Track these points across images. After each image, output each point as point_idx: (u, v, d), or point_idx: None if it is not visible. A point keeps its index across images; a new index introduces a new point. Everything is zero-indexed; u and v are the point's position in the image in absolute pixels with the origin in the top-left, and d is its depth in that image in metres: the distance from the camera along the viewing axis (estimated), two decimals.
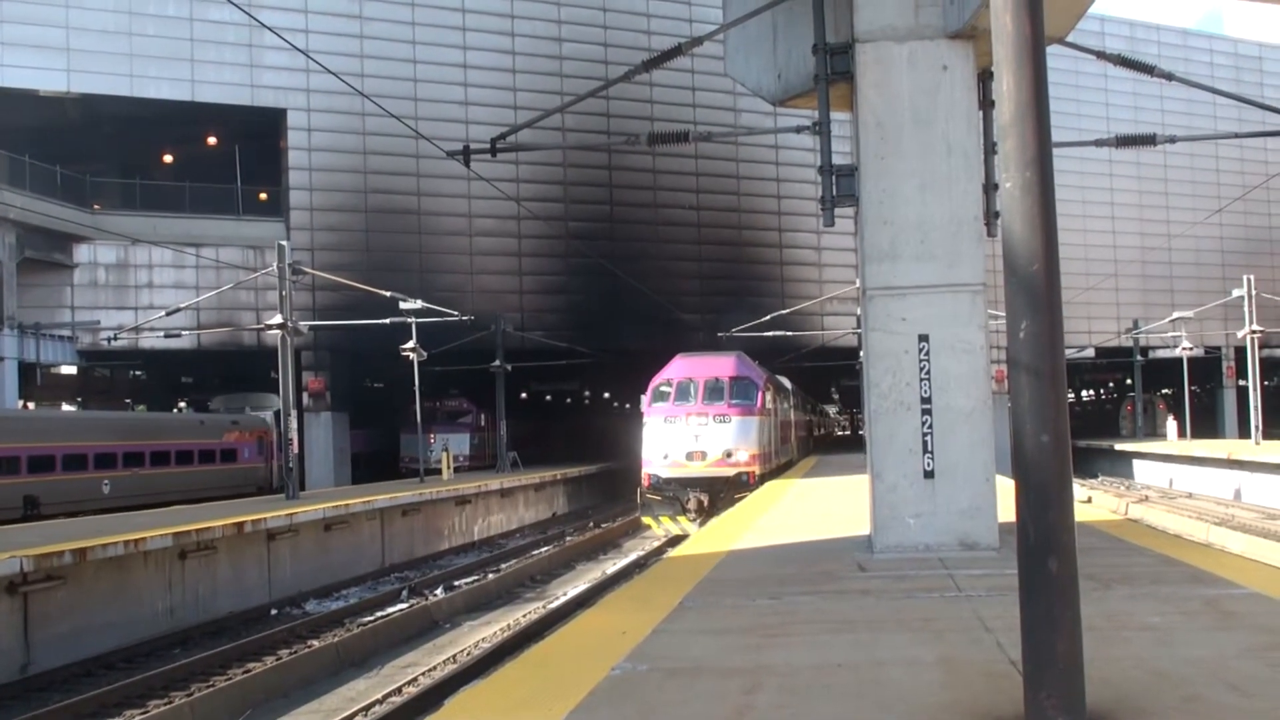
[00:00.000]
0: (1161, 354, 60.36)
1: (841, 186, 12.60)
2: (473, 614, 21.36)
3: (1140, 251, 61.27)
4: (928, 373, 11.90)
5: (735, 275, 53.46)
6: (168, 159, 49.12)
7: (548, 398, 68.71)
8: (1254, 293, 43.61)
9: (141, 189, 45.67)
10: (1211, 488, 40.47)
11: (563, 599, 22.02)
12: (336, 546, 26.48)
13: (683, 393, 28.62)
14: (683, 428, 28.12)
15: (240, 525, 22.00)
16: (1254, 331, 43.04)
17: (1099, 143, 16.73)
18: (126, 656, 17.81)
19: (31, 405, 40.38)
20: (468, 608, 21.84)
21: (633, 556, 28.53)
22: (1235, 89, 45.37)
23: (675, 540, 25.86)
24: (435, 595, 22.83)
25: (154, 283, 42.86)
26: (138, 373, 51.25)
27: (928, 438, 11.87)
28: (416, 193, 46.69)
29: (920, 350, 11.92)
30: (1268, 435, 45.62)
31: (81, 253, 42.11)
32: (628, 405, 70.77)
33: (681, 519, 27.77)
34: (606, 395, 76.74)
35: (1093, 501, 27.39)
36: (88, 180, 43.87)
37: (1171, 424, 55.77)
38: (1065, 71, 53.30)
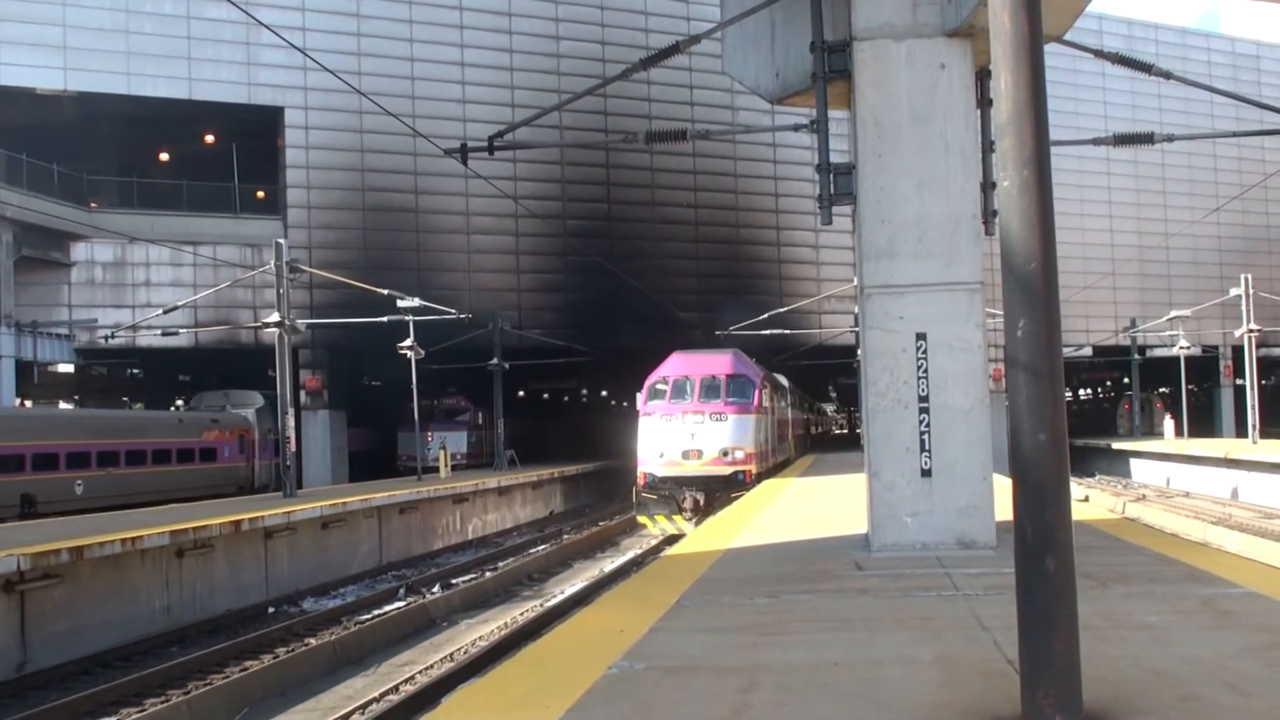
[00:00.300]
0: (1159, 353, 60.38)
1: (839, 185, 12.59)
2: (470, 612, 21.36)
3: (1138, 250, 61.32)
4: (925, 371, 11.89)
5: (733, 273, 53.47)
6: (165, 157, 49.09)
7: (545, 396, 68.75)
8: (1251, 292, 43.64)
9: (139, 187, 45.67)
10: (1209, 487, 40.50)
11: (560, 597, 22.04)
12: (334, 545, 26.47)
13: (679, 390, 28.50)
14: (679, 426, 27.98)
15: (238, 523, 22.00)
16: (1251, 330, 43.07)
17: (1097, 141, 16.72)
18: (124, 655, 17.82)
19: (29, 404, 40.32)
20: (465, 606, 21.84)
21: (630, 555, 28.53)
22: (1233, 88, 45.37)
23: (672, 539, 25.84)
24: (433, 593, 22.81)
25: (151, 281, 42.83)
26: (135, 371, 51.22)
27: (925, 436, 11.87)
28: (414, 191, 46.68)
29: (918, 349, 11.91)
30: (1265, 434, 45.65)
31: (79, 251, 42.08)
32: (625, 403, 70.60)
33: (677, 518, 27.66)
34: (604, 393, 76.76)
35: (1090, 500, 27.37)
36: (85, 178, 43.84)
37: (1169, 423, 55.82)
38: (1063, 70, 53.32)
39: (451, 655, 17.13)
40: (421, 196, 46.88)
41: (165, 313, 33.28)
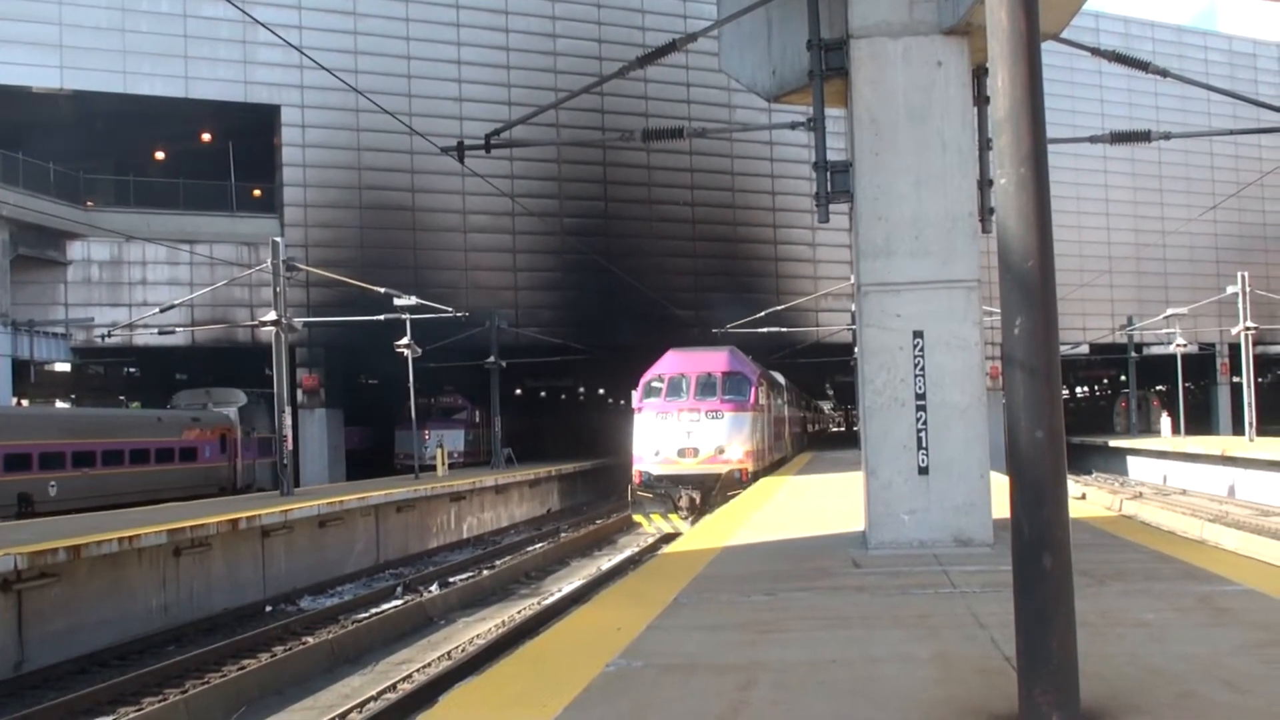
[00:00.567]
0: (1156, 350, 60.40)
1: (836, 182, 12.60)
2: (467, 610, 21.36)
3: (1135, 248, 61.36)
4: (922, 369, 11.90)
5: (730, 271, 53.45)
6: (161, 156, 49.00)
7: (542, 394, 68.73)
8: (1248, 289, 43.66)
9: (135, 186, 45.57)
10: (1205, 484, 40.53)
11: (557, 595, 22.02)
12: (331, 543, 26.46)
13: (675, 388, 28.30)
14: (675, 424, 27.79)
15: (235, 522, 21.99)
16: (1248, 328, 43.10)
17: (1094, 139, 16.72)
18: (121, 654, 17.81)
19: (25, 403, 40.26)
20: (462, 604, 21.84)
21: (627, 553, 28.50)
22: (1230, 86, 45.43)
23: (669, 537, 25.78)
24: (430, 592, 22.81)
25: (148, 280, 42.78)
26: (132, 370, 51.18)
27: (922, 434, 11.87)
28: (411, 189, 46.65)
29: (915, 346, 11.92)
30: (1261, 432, 45.70)
31: (75, 249, 42.03)
32: (622, 401, 70.66)
33: (673, 516, 27.46)
34: (601, 391, 76.78)
35: (1087, 498, 27.41)
36: (81, 177, 43.75)
37: (1165, 420, 55.86)
38: (1060, 68, 53.33)
39: (449, 653, 17.13)
40: (418, 195, 46.85)
41: (162, 311, 33.23)
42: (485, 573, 25.46)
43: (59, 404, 44.65)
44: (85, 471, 31.19)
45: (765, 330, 42.40)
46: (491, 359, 43.09)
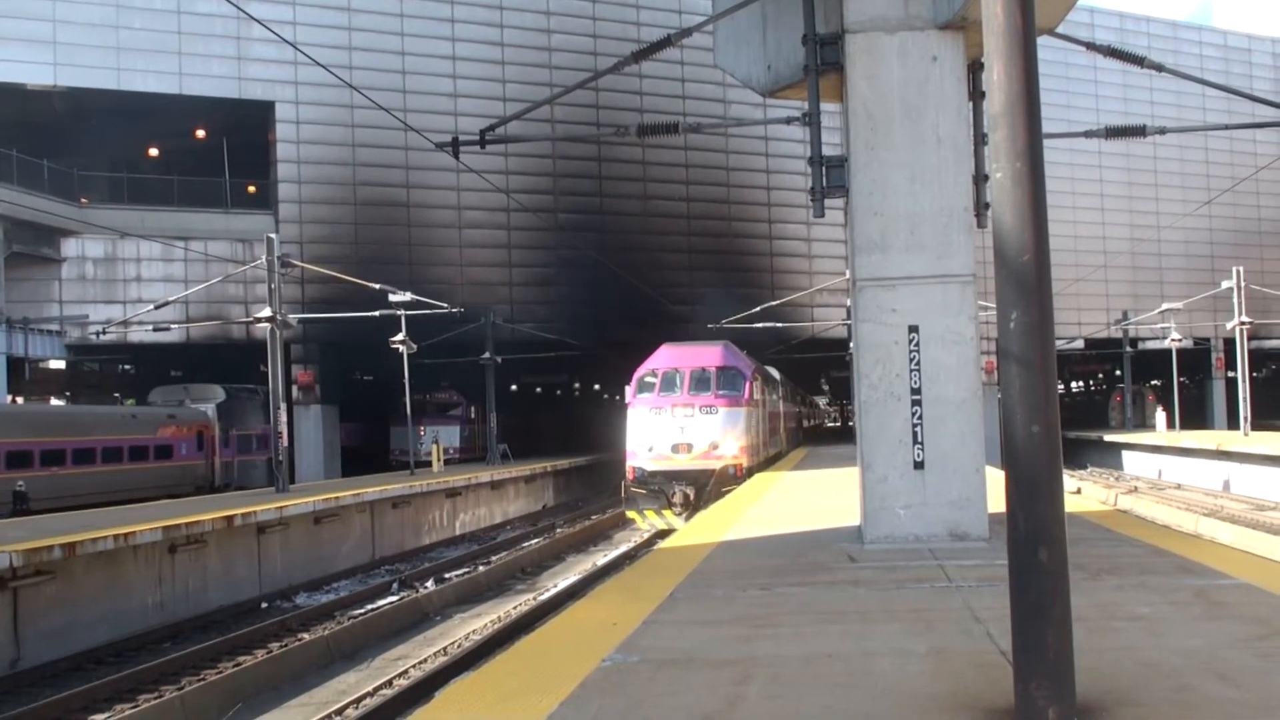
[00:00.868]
0: (1151, 345, 60.45)
1: (831, 178, 12.60)
2: (463, 606, 21.35)
3: (1130, 243, 61.36)
4: (918, 364, 11.91)
5: (725, 267, 53.45)
6: (155, 152, 48.91)
7: (538, 390, 68.70)
8: (1243, 284, 43.67)
9: (129, 182, 45.50)
10: (1200, 479, 40.56)
11: (553, 591, 22.03)
12: (327, 539, 26.44)
13: (668, 383, 28.02)
14: (668, 419, 27.54)
15: (230, 519, 21.96)
16: (1243, 323, 43.13)
17: (1089, 134, 16.73)
18: (116, 651, 17.79)
19: (20, 400, 40.19)
20: (458, 600, 21.83)
21: (623, 548, 28.46)
22: (1224, 81, 45.50)
23: (665, 532, 25.71)
24: (426, 588, 22.79)
25: (142, 276, 42.74)
26: (126, 367, 51.12)
27: (918, 429, 11.89)
28: (406, 185, 46.62)
29: (910, 341, 11.93)
30: (1256, 426, 45.74)
31: (69, 247, 41.99)
32: (618, 397, 70.74)
33: (667, 513, 27.24)
34: (597, 387, 76.75)
35: (1082, 493, 27.47)
36: (75, 174, 43.67)
37: (1160, 415, 55.89)
38: (1055, 63, 53.35)
39: (445, 649, 17.13)
40: (413, 190, 46.81)
41: (156, 308, 33.15)
42: (481, 569, 25.46)
43: (55, 400, 44.60)
44: (55, 471, 30.45)
45: (761, 325, 42.36)
46: (486, 355, 43.06)
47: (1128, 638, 7.19)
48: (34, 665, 16.44)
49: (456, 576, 24.47)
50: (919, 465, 11.89)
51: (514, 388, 61.33)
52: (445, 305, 34.29)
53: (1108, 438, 55.57)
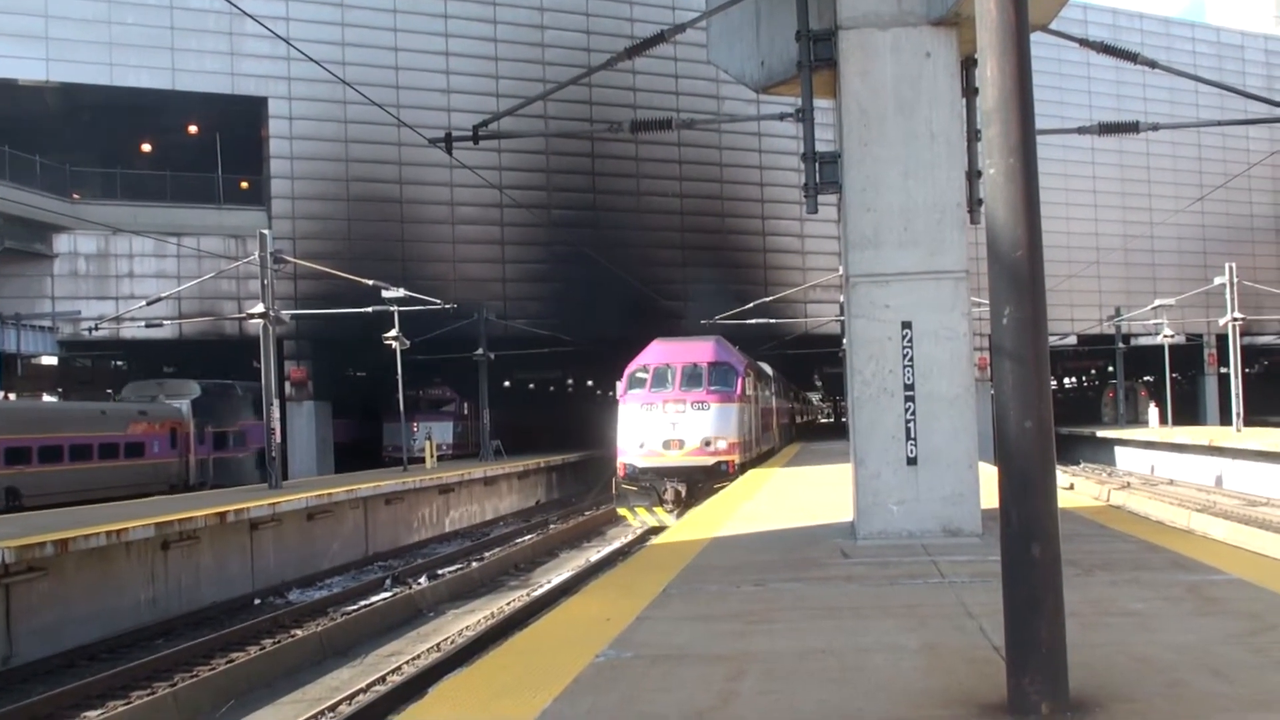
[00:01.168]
0: (1144, 341, 60.57)
1: (825, 174, 12.60)
2: (456, 602, 21.34)
3: (1123, 239, 61.48)
4: (911, 359, 11.91)
5: (718, 263, 53.45)
6: (148, 148, 48.78)
7: (531, 386, 68.70)
8: (1235, 280, 43.76)
9: (122, 178, 45.41)
10: (1193, 474, 40.67)
11: (546, 587, 22.02)
12: (320, 536, 26.43)
13: (659, 379, 27.73)
14: (659, 415, 27.17)
15: (223, 515, 21.94)
16: (1235, 319, 43.23)
17: (1082, 130, 16.73)
18: (109, 647, 17.77)
19: (12, 396, 40.09)
20: (451, 596, 21.82)
21: (616, 544, 28.46)
22: (1217, 77, 45.49)
23: (658, 529, 25.63)
24: (419, 584, 22.78)
25: (135, 272, 42.67)
26: (119, 363, 50.97)
27: (911, 424, 11.89)
28: (399, 181, 46.59)
29: (903, 337, 11.93)
30: (1249, 422, 45.84)
31: (61, 242, 41.91)
32: (611, 393, 70.66)
33: (658, 510, 27.00)
34: (590, 383, 76.71)
35: (1075, 488, 27.47)
36: (68, 170, 43.56)
37: (1153, 411, 56.04)
38: (1048, 59, 53.35)
39: (438, 645, 17.13)
40: (406, 186, 46.78)
41: (149, 304, 33.05)
42: (474, 565, 25.45)
43: (47, 397, 44.46)
44: (21, 469, 29.83)
45: (754, 321, 42.34)
46: (480, 351, 43.04)
47: (1121, 633, 7.20)
48: (26, 662, 16.42)
49: (450, 573, 24.46)
50: (912, 461, 11.89)
51: (507, 384, 61.33)
52: (438, 301, 34.29)
53: (1101, 434, 55.68)
